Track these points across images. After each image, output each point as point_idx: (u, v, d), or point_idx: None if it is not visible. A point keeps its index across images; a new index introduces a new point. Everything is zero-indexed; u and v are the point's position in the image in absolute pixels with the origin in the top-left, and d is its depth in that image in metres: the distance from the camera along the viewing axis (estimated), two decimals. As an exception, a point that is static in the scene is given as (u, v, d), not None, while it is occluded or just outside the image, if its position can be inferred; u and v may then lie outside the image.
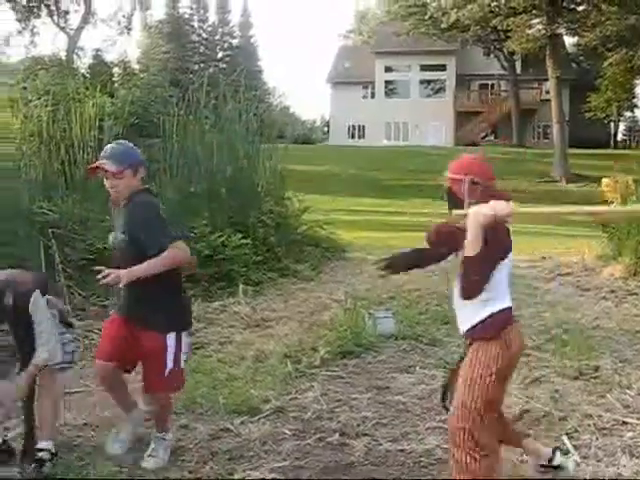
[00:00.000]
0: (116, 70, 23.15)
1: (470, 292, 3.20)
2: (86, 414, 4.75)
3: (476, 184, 3.34)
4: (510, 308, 3.45)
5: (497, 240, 3.22)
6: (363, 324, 6.73)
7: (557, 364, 5.93)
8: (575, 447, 4.25)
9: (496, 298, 3.35)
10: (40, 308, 3.78)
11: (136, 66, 47.70)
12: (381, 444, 4.29)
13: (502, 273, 3.33)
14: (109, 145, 4.17)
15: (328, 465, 4.05)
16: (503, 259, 3.34)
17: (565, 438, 4.37)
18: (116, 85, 12.85)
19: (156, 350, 3.91)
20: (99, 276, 3.68)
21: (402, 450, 4.24)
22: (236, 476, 3.88)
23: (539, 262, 11.62)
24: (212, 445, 4.27)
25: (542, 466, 3.82)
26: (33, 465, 3.81)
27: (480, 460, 3.23)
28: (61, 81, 11.06)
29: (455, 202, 3.39)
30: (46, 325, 3.78)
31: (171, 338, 3.94)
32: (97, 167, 4.02)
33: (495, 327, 3.35)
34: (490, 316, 3.35)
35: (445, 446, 4.16)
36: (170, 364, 3.93)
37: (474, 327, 3.38)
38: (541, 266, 11.23)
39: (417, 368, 5.89)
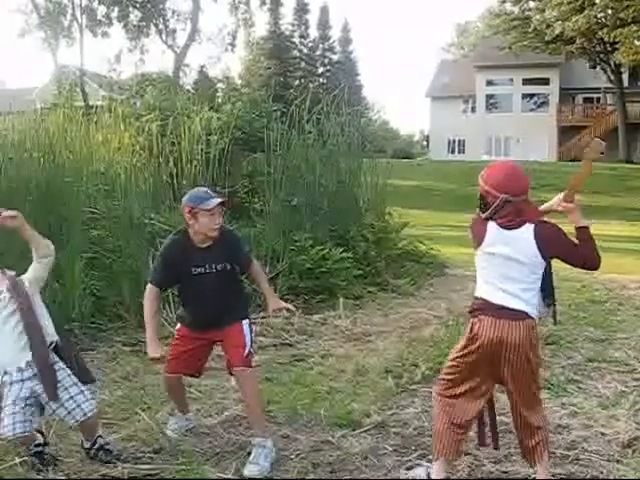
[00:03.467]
0: (220, 86, 23.73)
1: None
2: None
3: (509, 202, 3.54)
4: (483, 300, 3.64)
5: (473, 233, 3.72)
6: (464, 341, 6.63)
7: (670, 389, 5.69)
8: (689, 478, 4.06)
9: (479, 286, 3.73)
10: None
11: (239, 82, 48.86)
12: (484, 464, 4.21)
13: (480, 264, 3.72)
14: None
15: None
16: (476, 249, 3.71)
17: (678, 468, 4.18)
18: (220, 100, 13.19)
19: (237, 335, 4.35)
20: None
21: (505, 472, 4.15)
22: (337, 489, 3.90)
23: (649, 283, 11.17)
24: (313, 457, 4.30)
25: None
26: None
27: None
28: (169, 97, 11.47)
29: (487, 208, 3.65)
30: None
31: (246, 324, 4.42)
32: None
33: (470, 310, 3.74)
34: (475, 298, 3.72)
35: (552, 470, 4.06)
36: (248, 345, 4.37)
37: None
38: (652, 287, 10.80)
39: (520, 388, 5.75)
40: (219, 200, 4.27)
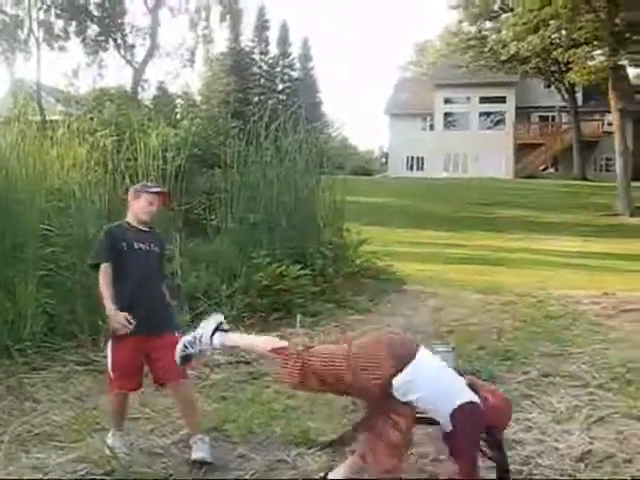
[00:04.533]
0: (179, 102, 23.61)
1: None
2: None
3: None
4: None
5: None
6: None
7: (621, 404, 5.76)
8: (641, 491, 4.12)
9: None
10: None
11: (198, 98, 48.65)
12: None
13: None
14: None
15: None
16: None
17: (630, 481, 4.24)
18: (179, 116, 13.12)
19: (174, 345, 4.25)
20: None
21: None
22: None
23: (601, 298, 11.33)
24: (269, 476, 4.27)
25: None
26: None
27: None
28: (126, 112, 11.37)
29: None
30: None
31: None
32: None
33: None
34: None
35: None
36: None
37: None
38: (604, 302, 10.95)
39: (476, 404, 5.78)
40: (160, 189, 4.99)
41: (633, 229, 25.29)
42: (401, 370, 3.57)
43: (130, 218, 4.78)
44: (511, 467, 4.38)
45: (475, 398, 3.59)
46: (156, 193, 4.84)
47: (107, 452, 4.44)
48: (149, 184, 5.18)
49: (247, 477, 4.26)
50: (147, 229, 4.80)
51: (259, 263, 8.69)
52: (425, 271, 14.12)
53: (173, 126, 11.29)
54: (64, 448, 4.64)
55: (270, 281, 8.56)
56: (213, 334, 4.01)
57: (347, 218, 11.73)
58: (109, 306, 4.40)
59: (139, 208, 4.75)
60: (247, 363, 6.97)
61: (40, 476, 4.18)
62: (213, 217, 9.98)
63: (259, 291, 8.53)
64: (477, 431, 3.56)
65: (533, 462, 4.54)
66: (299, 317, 8.37)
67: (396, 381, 3.57)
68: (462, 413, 3.51)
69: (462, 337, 8.07)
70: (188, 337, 4.05)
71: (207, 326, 4.04)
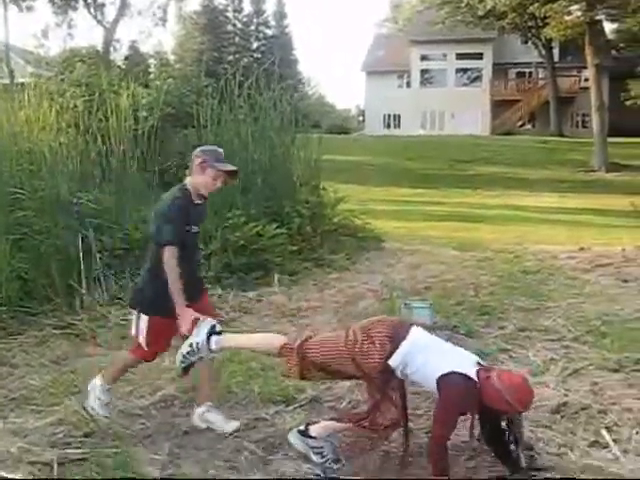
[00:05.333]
0: (152, 61, 23.28)
1: None
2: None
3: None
4: None
5: None
6: (399, 314, 6.67)
7: (596, 356, 5.84)
8: (615, 441, 4.18)
9: None
10: None
11: (171, 57, 48.02)
12: (415, 434, 4.25)
13: None
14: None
15: (365, 455, 4.02)
16: None
17: (604, 432, 4.30)
18: (152, 76, 12.91)
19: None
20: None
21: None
22: (271, 466, 3.88)
23: (578, 253, 11.44)
24: (247, 434, 4.28)
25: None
26: None
27: None
28: (97, 72, 11.17)
29: None
30: None
31: None
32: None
33: None
34: None
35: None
36: None
37: None
38: (580, 257, 11.06)
39: (453, 359, 5.82)
40: (234, 168, 4.42)
41: (609, 185, 25.50)
42: (397, 349, 3.63)
43: (190, 187, 4.29)
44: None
45: (472, 373, 3.57)
46: (225, 172, 4.33)
47: (85, 414, 4.42)
48: (220, 156, 4.35)
49: (227, 435, 4.27)
50: (201, 202, 4.37)
51: (235, 223, 8.64)
52: (403, 229, 14.16)
53: (146, 86, 11.11)
54: (42, 412, 4.61)
55: (247, 241, 8.52)
56: (208, 339, 3.97)
57: (324, 177, 11.68)
58: (182, 303, 4.06)
59: (204, 183, 4.26)
60: (225, 323, 6.94)
61: (18, 440, 4.16)
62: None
63: (236, 251, 8.49)
64: (459, 403, 3.57)
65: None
66: (277, 276, 8.37)
67: (393, 360, 3.62)
68: (445, 381, 3.53)
69: (439, 293, 8.13)
70: (185, 348, 3.98)
71: (200, 333, 3.99)
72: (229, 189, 9.26)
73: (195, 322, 4.04)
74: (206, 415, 4.41)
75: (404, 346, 3.64)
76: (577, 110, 46.56)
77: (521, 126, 47.51)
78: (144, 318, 4.25)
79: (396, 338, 3.66)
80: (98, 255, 7.45)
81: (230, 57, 57.70)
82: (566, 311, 7.36)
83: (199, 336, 3.97)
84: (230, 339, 4.17)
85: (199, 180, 4.25)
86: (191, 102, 9.98)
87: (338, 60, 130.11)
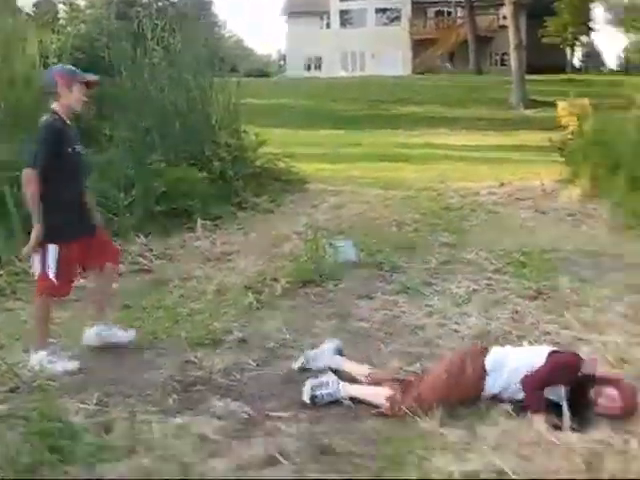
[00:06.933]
0: (62, 7, 22.35)
1: None
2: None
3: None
4: None
5: None
6: (324, 253, 6.69)
7: (516, 286, 6.02)
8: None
9: None
10: None
11: (82, 2, 46.07)
12: (344, 369, 4.30)
13: None
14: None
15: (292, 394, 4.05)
16: None
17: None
18: (63, 22, 12.40)
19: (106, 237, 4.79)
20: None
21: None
22: (201, 406, 3.87)
23: (498, 188, 11.68)
24: (176, 378, 4.24)
25: None
26: None
27: None
28: (3, 20, 10.62)
29: None
30: None
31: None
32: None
33: None
34: None
35: (407, 368, 4.22)
36: None
37: None
38: (500, 192, 11.29)
39: (379, 294, 5.90)
40: (94, 77, 4.56)
41: (527, 121, 25.93)
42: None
43: (60, 110, 4.31)
44: (414, 350, 4.55)
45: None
46: (90, 82, 4.46)
47: (9, 368, 4.29)
48: (74, 69, 4.49)
49: (154, 380, 4.21)
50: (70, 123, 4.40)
51: (155, 169, 8.46)
52: (326, 170, 14.14)
53: (57, 33, 10.65)
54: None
55: (168, 187, 8.36)
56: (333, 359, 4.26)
57: (245, 120, 11.53)
58: (36, 220, 4.16)
59: (75, 100, 4.34)
60: (149, 271, 6.87)
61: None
62: (105, 125, 9.60)
63: (157, 198, 8.34)
64: (563, 370, 3.68)
65: (434, 343, 4.70)
66: (199, 221, 8.28)
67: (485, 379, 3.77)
68: (554, 357, 3.74)
69: (363, 231, 8.19)
70: (316, 380, 3.93)
71: (327, 356, 4.28)
72: (147, 135, 9.07)
73: (39, 245, 4.18)
74: (103, 334, 4.65)
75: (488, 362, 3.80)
76: (496, 49, 46.98)
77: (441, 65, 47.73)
78: (52, 249, 4.26)
79: (477, 358, 3.84)
80: (14, 209, 7.17)
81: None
82: (488, 245, 7.53)
83: (323, 360, 4.28)
84: (354, 391, 3.94)
85: (70, 99, 4.31)
86: (102, 46, 9.61)
87: (257, 3, 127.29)
